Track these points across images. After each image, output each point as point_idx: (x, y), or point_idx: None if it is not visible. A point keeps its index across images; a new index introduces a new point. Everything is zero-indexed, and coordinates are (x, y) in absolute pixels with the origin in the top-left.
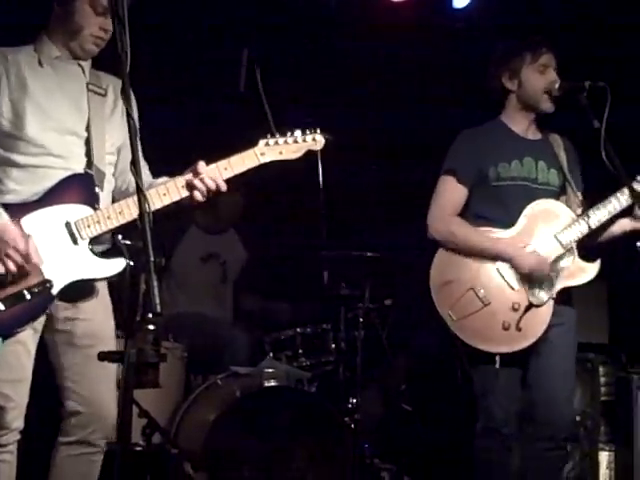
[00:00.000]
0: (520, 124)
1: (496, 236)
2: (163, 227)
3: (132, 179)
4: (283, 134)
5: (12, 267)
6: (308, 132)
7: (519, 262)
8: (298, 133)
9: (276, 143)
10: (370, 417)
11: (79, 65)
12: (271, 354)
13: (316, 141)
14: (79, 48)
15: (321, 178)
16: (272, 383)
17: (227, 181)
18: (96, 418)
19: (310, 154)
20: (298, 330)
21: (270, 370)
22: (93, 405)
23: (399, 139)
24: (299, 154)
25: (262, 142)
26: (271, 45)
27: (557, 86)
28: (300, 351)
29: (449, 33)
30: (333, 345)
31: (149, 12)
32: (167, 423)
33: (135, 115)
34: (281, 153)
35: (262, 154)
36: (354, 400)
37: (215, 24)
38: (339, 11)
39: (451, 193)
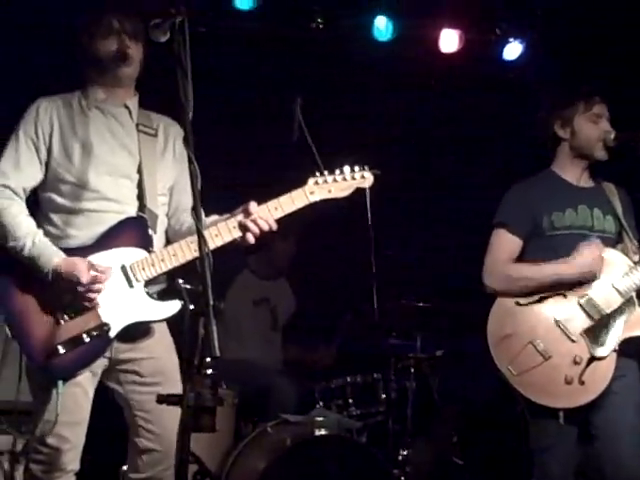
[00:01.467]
0: (572, 173)
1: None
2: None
3: (186, 219)
4: (331, 172)
5: (76, 301)
6: (357, 169)
7: (584, 270)
8: (347, 170)
9: (325, 182)
10: (420, 470)
11: (126, 107)
12: (321, 403)
13: (365, 178)
14: (112, 77)
15: (370, 215)
16: (323, 432)
17: (279, 226)
18: (167, 456)
19: (359, 192)
20: (348, 379)
21: (321, 419)
22: (164, 443)
23: (451, 189)
24: (348, 192)
25: (311, 181)
26: (325, 94)
27: (612, 136)
28: (350, 400)
29: (500, 84)
30: (383, 395)
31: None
32: (217, 469)
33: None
34: (330, 192)
35: (311, 193)
36: (404, 452)
37: (267, 73)
38: (391, 60)
39: (505, 245)
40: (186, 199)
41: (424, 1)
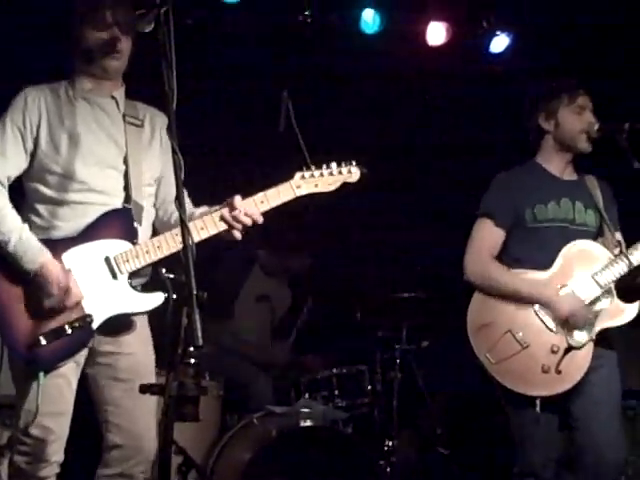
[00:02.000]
0: (556, 165)
1: (533, 277)
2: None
3: (173, 210)
4: (319, 167)
5: (54, 302)
6: (344, 164)
7: (556, 305)
8: (334, 165)
9: (312, 176)
10: (406, 460)
11: (112, 97)
12: (307, 394)
13: (352, 173)
14: (101, 70)
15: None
16: (308, 423)
17: (295, 242)
18: (137, 451)
19: (346, 187)
20: (334, 371)
21: (306, 410)
22: (134, 438)
23: (433, 179)
24: (335, 186)
25: (298, 175)
26: (308, 85)
27: (596, 128)
28: (336, 392)
29: (486, 76)
30: (369, 386)
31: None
32: (203, 461)
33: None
34: (317, 186)
35: (298, 187)
36: (390, 443)
37: (254, 63)
38: (378, 53)
39: (488, 236)
40: (173, 190)
41: None
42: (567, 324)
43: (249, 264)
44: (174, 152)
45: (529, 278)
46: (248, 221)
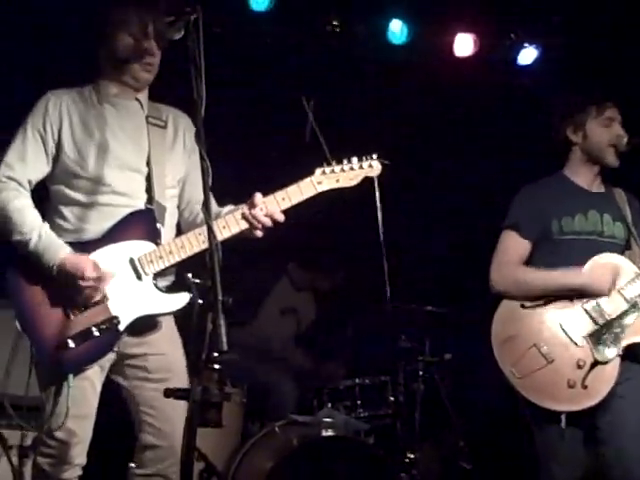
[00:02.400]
0: (584, 177)
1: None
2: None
3: (199, 211)
4: (339, 162)
5: (80, 298)
6: (364, 158)
7: (595, 283)
8: (354, 160)
9: (332, 171)
10: (427, 473)
11: (137, 99)
12: (329, 404)
13: (372, 167)
14: (132, 79)
15: (378, 203)
16: (330, 433)
17: (327, 265)
18: (171, 452)
19: (367, 181)
20: (357, 381)
21: (328, 420)
22: (169, 438)
23: (463, 193)
24: (356, 181)
25: (319, 171)
26: (339, 96)
27: (625, 141)
28: (358, 402)
29: (514, 88)
30: (392, 398)
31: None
32: (224, 468)
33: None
34: (338, 181)
35: (319, 183)
36: (412, 455)
37: (281, 74)
38: (405, 63)
39: (514, 248)
40: (198, 191)
41: (439, 5)
42: (594, 339)
43: (278, 275)
44: (202, 158)
45: (558, 271)
46: (268, 220)
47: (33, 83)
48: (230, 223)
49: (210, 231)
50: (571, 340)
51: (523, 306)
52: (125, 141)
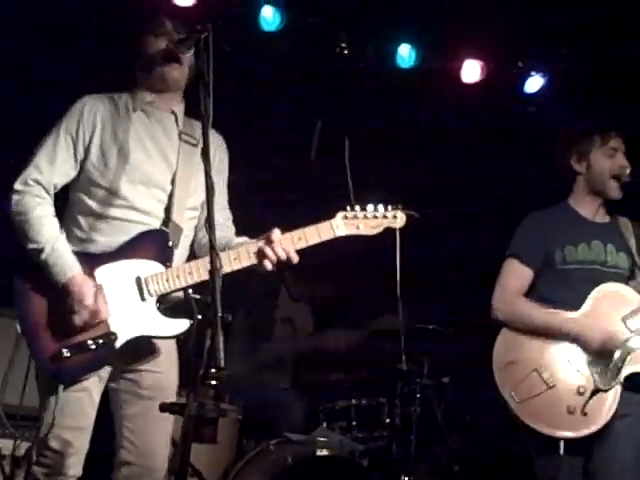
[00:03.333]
0: (588, 207)
1: (562, 314)
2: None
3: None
4: (363, 208)
5: (78, 320)
6: (390, 208)
7: (586, 337)
8: (379, 208)
9: (355, 217)
10: None
11: (172, 112)
12: (325, 423)
13: (397, 218)
14: (161, 81)
15: (399, 259)
16: (324, 452)
17: (321, 273)
18: (147, 471)
19: (388, 232)
20: (353, 401)
21: (323, 439)
22: (146, 457)
23: (463, 216)
24: (377, 231)
25: (340, 215)
26: (344, 114)
27: (628, 172)
28: (354, 423)
29: (519, 116)
30: (388, 420)
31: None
32: None
33: (225, 174)
34: (358, 228)
35: (338, 227)
36: (406, 477)
37: (289, 93)
38: (413, 88)
39: (516, 275)
40: (217, 213)
41: (448, 30)
42: (595, 365)
43: (276, 286)
44: (207, 175)
45: (558, 313)
46: (283, 256)
47: (70, 93)
48: (242, 256)
49: (212, 247)
50: (573, 366)
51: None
52: (153, 154)
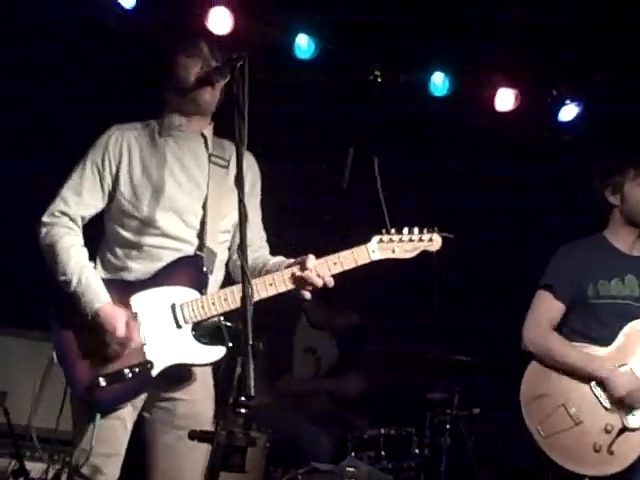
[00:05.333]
0: (624, 240)
1: (592, 352)
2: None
3: (250, 254)
4: (399, 231)
5: (111, 349)
6: (425, 231)
7: (613, 384)
8: (415, 231)
9: (390, 240)
10: None
11: (202, 135)
12: (353, 453)
13: (433, 241)
14: (193, 104)
15: (438, 283)
16: None
17: (340, 297)
18: None
19: (424, 255)
20: (382, 431)
21: (351, 469)
22: None
23: (495, 246)
24: (413, 254)
25: (375, 239)
26: (378, 141)
27: None
28: (382, 453)
29: (554, 145)
30: (417, 450)
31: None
32: None
33: (258, 196)
34: (394, 251)
35: (374, 251)
36: None
37: (323, 120)
38: (446, 116)
39: (548, 308)
40: (252, 234)
41: (481, 58)
42: (623, 404)
43: (297, 314)
44: (240, 202)
45: (588, 352)
46: (319, 282)
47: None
48: (277, 282)
49: (244, 274)
50: (601, 404)
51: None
52: (183, 181)
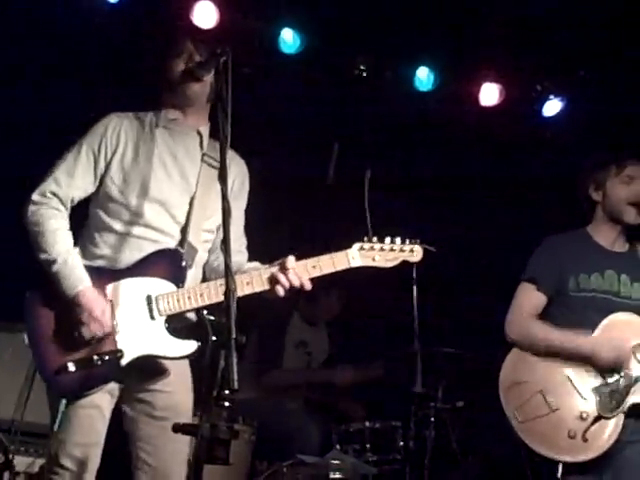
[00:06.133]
0: (605, 236)
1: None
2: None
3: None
4: (381, 240)
5: (85, 333)
6: (407, 242)
7: (599, 353)
8: (397, 241)
9: (371, 249)
10: None
11: (198, 133)
12: (338, 446)
13: (414, 252)
14: (182, 96)
15: (415, 293)
16: (337, 475)
17: (321, 281)
18: None
19: (405, 265)
20: (367, 424)
21: (336, 462)
22: (161, 478)
23: (477, 241)
24: (393, 264)
25: (357, 246)
26: (362, 136)
27: None
28: (368, 446)
29: (537, 141)
30: (401, 443)
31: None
32: None
33: (244, 200)
34: (374, 260)
35: (354, 258)
36: None
37: (308, 115)
38: (431, 110)
39: (530, 299)
40: (232, 237)
41: (467, 54)
42: (600, 393)
43: (289, 311)
44: (224, 198)
45: (570, 333)
46: (296, 283)
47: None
48: (255, 281)
49: (227, 268)
50: (577, 391)
51: (533, 353)
52: (173, 174)
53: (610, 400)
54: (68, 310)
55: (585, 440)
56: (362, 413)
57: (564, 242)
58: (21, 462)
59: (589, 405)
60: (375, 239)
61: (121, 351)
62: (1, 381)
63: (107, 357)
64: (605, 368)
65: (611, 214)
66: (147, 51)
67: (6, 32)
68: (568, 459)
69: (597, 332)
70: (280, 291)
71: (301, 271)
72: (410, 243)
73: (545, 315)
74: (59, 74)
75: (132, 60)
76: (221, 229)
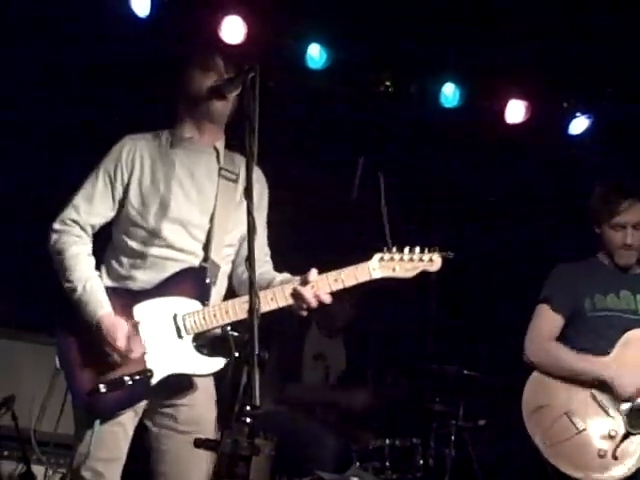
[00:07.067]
0: (617, 262)
1: (594, 358)
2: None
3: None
4: (400, 250)
5: (112, 355)
6: (426, 251)
7: (620, 382)
8: (416, 251)
9: (391, 259)
10: None
11: (215, 149)
12: (358, 463)
13: (433, 261)
14: (205, 115)
15: (434, 304)
16: None
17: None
18: None
19: (424, 274)
20: (387, 442)
21: (356, 479)
22: None
23: (498, 260)
24: (413, 273)
25: (377, 257)
26: (387, 152)
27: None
28: (387, 463)
29: (563, 158)
30: (421, 461)
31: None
32: None
33: (264, 210)
34: (394, 270)
35: (375, 269)
36: None
37: (333, 132)
38: (456, 127)
39: (547, 321)
40: (257, 249)
41: (493, 70)
42: (626, 408)
43: (307, 322)
44: (249, 213)
45: (589, 357)
46: (315, 301)
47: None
48: (278, 297)
49: (252, 284)
50: (604, 410)
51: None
52: (192, 193)
53: (637, 417)
54: (94, 334)
55: (615, 458)
56: (369, 439)
57: (577, 266)
58: (42, 472)
59: (616, 422)
60: (394, 249)
61: (151, 371)
62: (23, 392)
63: (137, 377)
64: (622, 394)
65: (608, 252)
66: (172, 66)
67: (37, 45)
68: (600, 477)
69: (615, 350)
70: (302, 307)
71: (323, 285)
72: (429, 252)
73: (562, 337)
74: (87, 89)
75: (157, 74)
76: (245, 240)
